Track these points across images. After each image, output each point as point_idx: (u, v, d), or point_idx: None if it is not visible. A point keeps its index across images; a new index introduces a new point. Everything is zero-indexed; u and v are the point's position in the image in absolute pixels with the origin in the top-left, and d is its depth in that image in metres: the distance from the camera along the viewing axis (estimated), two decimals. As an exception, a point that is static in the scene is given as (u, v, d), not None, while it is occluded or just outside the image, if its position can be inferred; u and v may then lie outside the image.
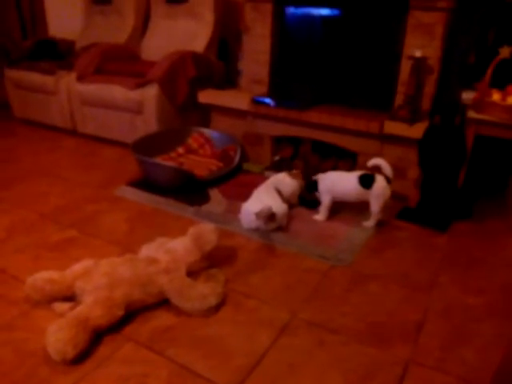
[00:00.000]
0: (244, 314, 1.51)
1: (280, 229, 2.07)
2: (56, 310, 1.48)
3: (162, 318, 1.47)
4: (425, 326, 1.48)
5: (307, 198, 2.29)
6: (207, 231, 1.66)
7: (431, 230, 2.15)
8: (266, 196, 2.11)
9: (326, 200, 2.17)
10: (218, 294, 1.53)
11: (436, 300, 1.63)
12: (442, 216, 2.22)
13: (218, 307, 1.51)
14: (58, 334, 1.29)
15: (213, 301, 1.50)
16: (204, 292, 1.50)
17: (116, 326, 1.41)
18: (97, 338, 1.37)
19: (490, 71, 2.12)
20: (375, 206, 2.09)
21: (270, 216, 1.96)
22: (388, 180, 2.07)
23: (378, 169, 2.10)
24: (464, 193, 2.29)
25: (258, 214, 1.95)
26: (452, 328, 1.48)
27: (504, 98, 2.10)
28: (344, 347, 1.38)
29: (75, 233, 1.96)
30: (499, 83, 2.21)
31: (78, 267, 1.59)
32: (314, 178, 2.21)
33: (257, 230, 2.03)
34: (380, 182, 2.05)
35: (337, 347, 1.38)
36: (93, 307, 1.40)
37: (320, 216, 2.20)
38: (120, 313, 1.42)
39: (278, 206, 2.05)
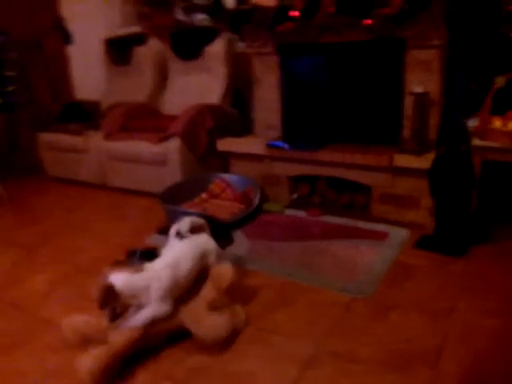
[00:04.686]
0: (270, 349, 1.61)
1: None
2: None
3: (196, 358, 1.58)
4: (444, 351, 1.55)
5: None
6: (224, 271, 1.79)
7: (449, 256, 2.22)
8: None
9: None
10: (230, 327, 1.64)
11: (455, 325, 1.69)
12: (458, 241, 2.28)
13: (231, 339, 1.63)
14: (89, 364, 1.45)
15: (224, 333, 1.61)
16: (216, 323, 1.62)
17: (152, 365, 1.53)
18: (136, 376, 1.49)
19: (488, 100, 2.23)
20: None
21: None
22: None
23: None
24: (479, 217, 2.36)
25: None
26: (471, 351, 1.54)
27: (505, 124, 2.20)
28: (367, 376, 1.46)
29: (111, 283, 2.11)
30: (500, 110, 2.32)
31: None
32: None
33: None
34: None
35: (361, 376, 1.46)
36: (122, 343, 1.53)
37: None
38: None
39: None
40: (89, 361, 1.48)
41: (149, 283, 1.65)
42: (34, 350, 1.70)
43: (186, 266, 1.80)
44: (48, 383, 1.53)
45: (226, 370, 1.52)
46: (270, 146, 2.87)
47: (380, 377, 1.45)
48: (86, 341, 1.62)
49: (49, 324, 1.84)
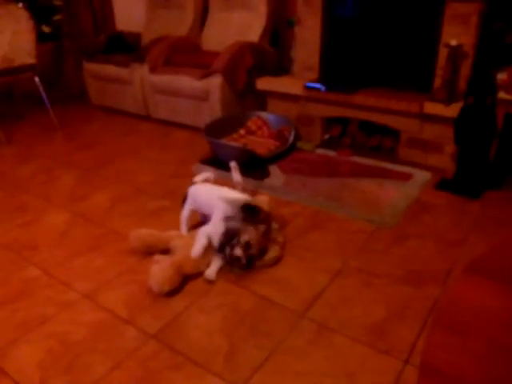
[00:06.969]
0: (305, 262, 1.93)
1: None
2: (157, 260, 1.92)
3: (243, 265, 1.92)
4: (453, 273, 1.84)
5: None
6: (260, 202, 2.06)
7: (465, 197, 2.46)
8: None
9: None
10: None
11: (465, 253, 1.97)
12: (475, 186, 2.52)
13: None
14: (159, 272, 1.75)
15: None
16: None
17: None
18: (197, 278, 1.83)
19: (520, 55, 2.37)
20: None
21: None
22: None
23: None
24: (496, 165, 2.58)
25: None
26: (475, 274, 1.83)
27: (533, 80, 2.36)
28: (386, 287, 1.77)
29: (167, 202, 2.43)
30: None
31: (172, 232, 2.05)
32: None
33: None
34: None
35: (380, 287, 1.77)
36: (185, 260, 1.85)
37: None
38: (204, 267, 1.87)
39: None
40: (156, 270, 1.77)
41: None
42: (107, 254, 2.04)
43: None
44: (122, 279, 1.87)
45: (268, 275, 1.85)
46: (307, 87, 3.06)
47: (396, 288, 1.76)
48: (149, 250, 1.97)
49: (117, 233, 2.19)
